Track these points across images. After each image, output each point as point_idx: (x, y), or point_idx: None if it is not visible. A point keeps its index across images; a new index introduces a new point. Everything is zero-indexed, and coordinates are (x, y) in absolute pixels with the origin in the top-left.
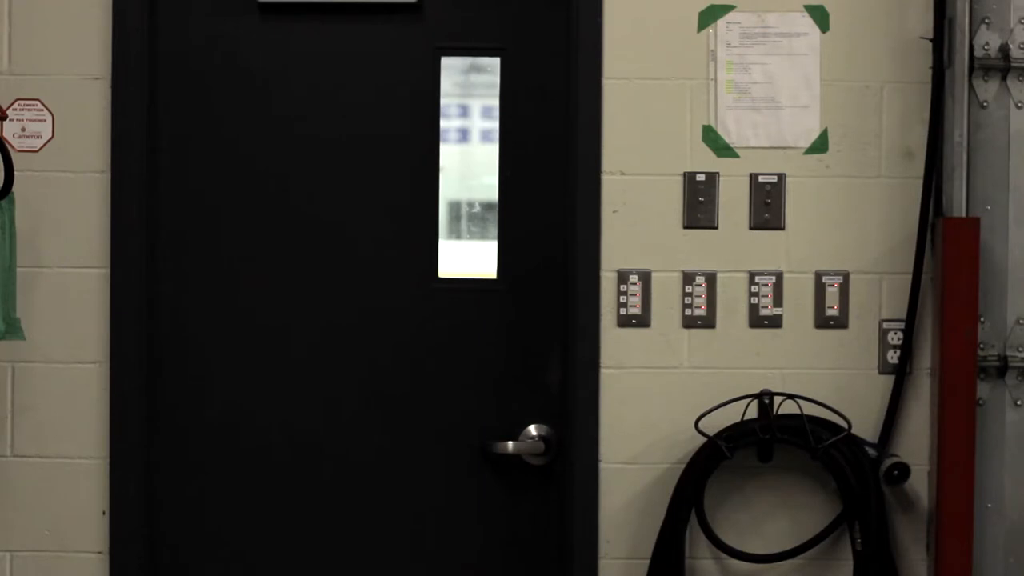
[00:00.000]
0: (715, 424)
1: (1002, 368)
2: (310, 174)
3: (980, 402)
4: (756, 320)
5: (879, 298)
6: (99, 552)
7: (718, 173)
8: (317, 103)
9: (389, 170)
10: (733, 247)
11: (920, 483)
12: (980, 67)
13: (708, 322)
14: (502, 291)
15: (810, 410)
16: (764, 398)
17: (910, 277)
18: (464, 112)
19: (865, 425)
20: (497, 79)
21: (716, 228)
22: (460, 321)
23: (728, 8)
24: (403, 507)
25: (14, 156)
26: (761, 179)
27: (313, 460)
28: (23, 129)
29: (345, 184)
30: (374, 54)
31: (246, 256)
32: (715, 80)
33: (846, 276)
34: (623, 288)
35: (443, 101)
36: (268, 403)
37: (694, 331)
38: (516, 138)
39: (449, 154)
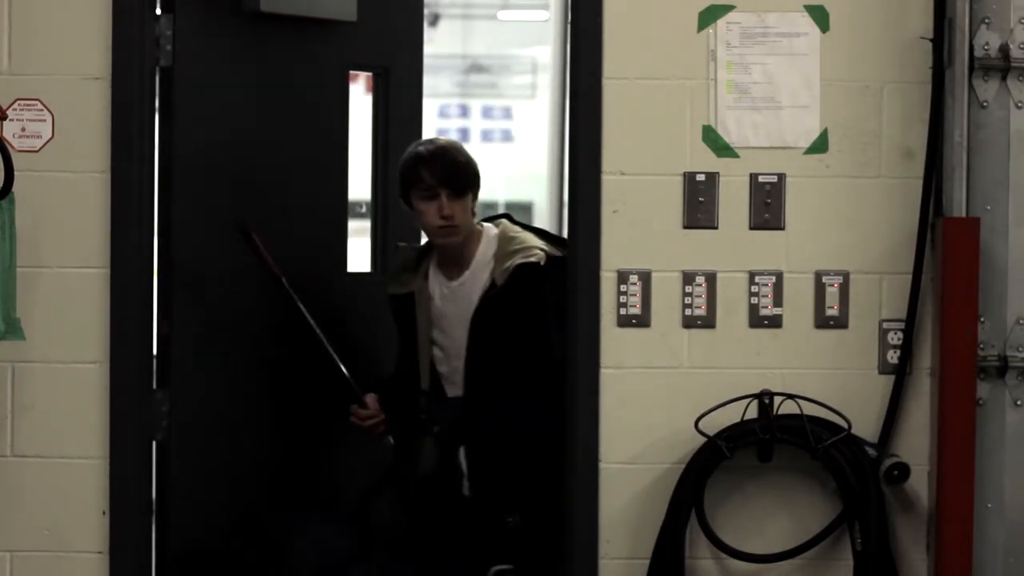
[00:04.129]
0: (715, 424)
1: (1002, 368)
2: (275, 173)
3: (980, 402)
4: (756, 320)
5: (879, 298)
6: (99, 552)
7: (718, 173)
8: (275, 110)
9: (313, 168)
10: (733, 247)
11: (920, 483)
12: (980, 67)
13: (708, 322)
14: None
15: (810, 410)
16: (764, 398)
17: (910, 277)
18: (464, 112)
19: (865, 425)
20: (497, 79)
21: (716, 228)
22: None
23: (728, 8)
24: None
25: (14, 156)
26: (761, 179)
27: (312, 457)
28: (23, 129)
29: (307, 182)
30: (311, 61)
31: (246, 255)
32: (715, 80)
33: (846, 276)
34: (623, 288)
35: (444, 101)
36: (267, 401)
37: (694, 331)
38: (389, 147)
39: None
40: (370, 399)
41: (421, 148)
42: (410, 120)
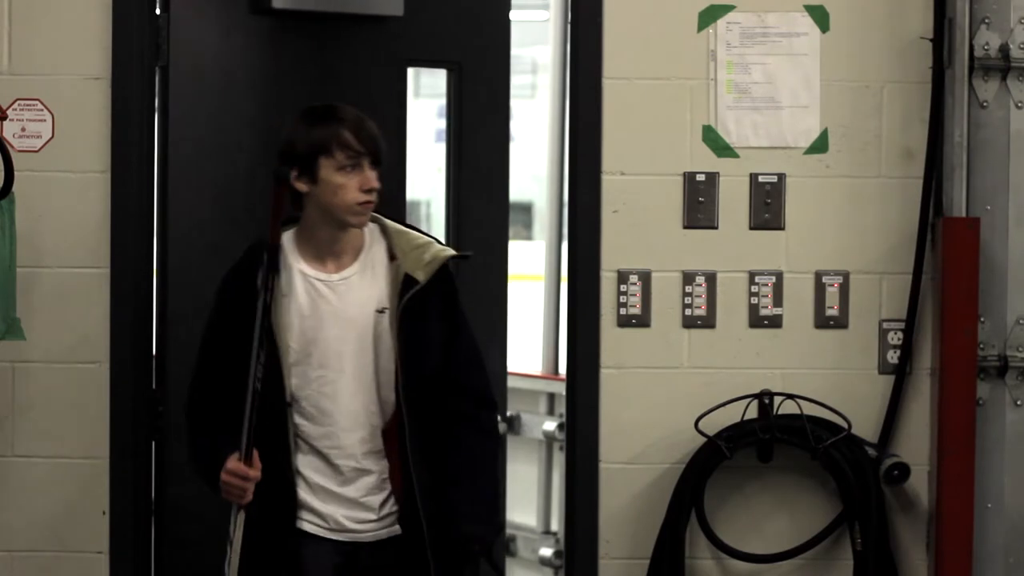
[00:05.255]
0: (715, 424)
1: (1002, 368)
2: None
3: (980, 402)
4: (756, 320)
5: (879, 298)
6: (99, 552)
7: (718, 173)
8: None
9: None
10: (733, 247)
11: (920, 483)
12: (980, 67)
13: (708, 322)
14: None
15: (810, 410)
16: (764, 398)
17: (910, 277)
18: None
19: (865, 425)
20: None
21: (716, 228)
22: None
23: (728, 8)
24: None
25: (14, 156)
26: (761, 179)
27: None
28: (23, 129)
29: None
30: (356, 60)
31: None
32: (715, 80)
33: (846, 276)
34: (623, 288)
35: (444, 101)
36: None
37: (694, 331)
38: (464, 142)
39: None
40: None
41: (335, 111)
42: (493, 119)
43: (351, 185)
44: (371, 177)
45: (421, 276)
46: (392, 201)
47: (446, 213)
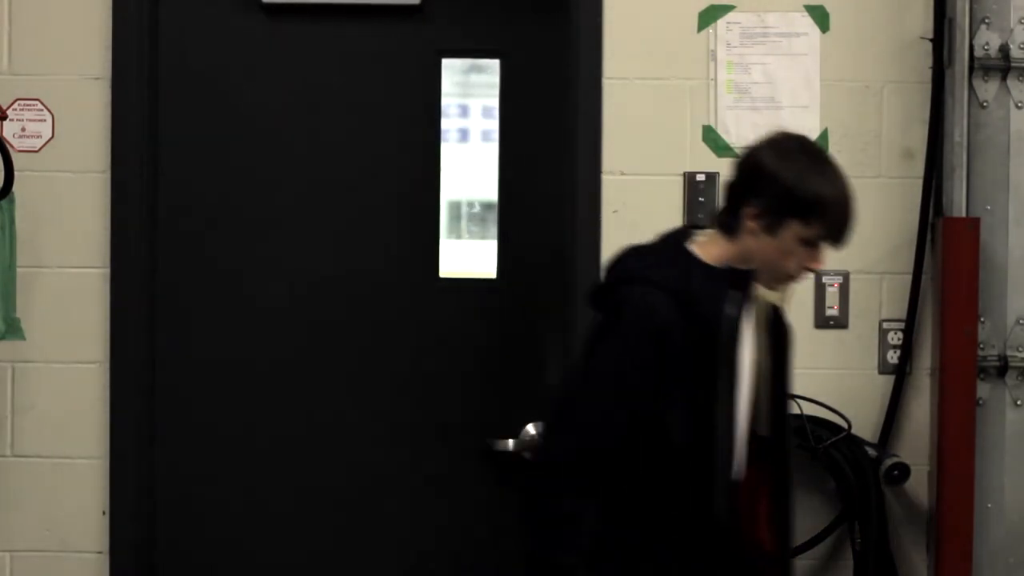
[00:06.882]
0: None
1: (1002, 368)
2: (312, 174)
3: (980, 402)
4: None
5: (879, 298)
6: (99, 552)
7: (718, 173)
8: (319, 104)
9: (391, 170)
10: None
11: (920, 483)
12: (980, 67)
13: None
14: (502, 289)
15: (810, 410)
16: None
17: (910, 277)
18: (464, 112)
19: (865, 425)
20: (497, 79)
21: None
22: (461, 320)
23: (728, 8)
24: (404, 505)
25: (14, 156)
26: None
27: (313, 460)
28: (23, 129)
29: (346, 184)
30: (376, 55)
31: (247, 256)
32: (715, 80)
33: (846, 276)
34: None
35: (444, 101)
36: (268, 402)
37: None
38: (515, 139)
39: (451, 153)
40: None
41: (839, 180)
42: (551, 114)
43: (800, 257)
44: (821, 259)
45: (783, 303)
46: (427, 202)
47: (498, 216)
